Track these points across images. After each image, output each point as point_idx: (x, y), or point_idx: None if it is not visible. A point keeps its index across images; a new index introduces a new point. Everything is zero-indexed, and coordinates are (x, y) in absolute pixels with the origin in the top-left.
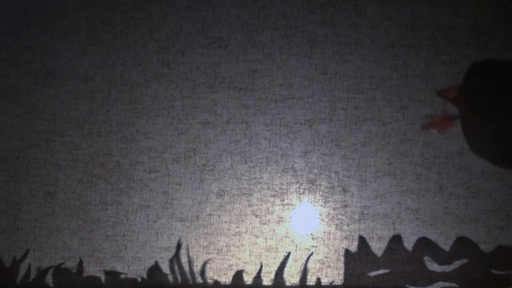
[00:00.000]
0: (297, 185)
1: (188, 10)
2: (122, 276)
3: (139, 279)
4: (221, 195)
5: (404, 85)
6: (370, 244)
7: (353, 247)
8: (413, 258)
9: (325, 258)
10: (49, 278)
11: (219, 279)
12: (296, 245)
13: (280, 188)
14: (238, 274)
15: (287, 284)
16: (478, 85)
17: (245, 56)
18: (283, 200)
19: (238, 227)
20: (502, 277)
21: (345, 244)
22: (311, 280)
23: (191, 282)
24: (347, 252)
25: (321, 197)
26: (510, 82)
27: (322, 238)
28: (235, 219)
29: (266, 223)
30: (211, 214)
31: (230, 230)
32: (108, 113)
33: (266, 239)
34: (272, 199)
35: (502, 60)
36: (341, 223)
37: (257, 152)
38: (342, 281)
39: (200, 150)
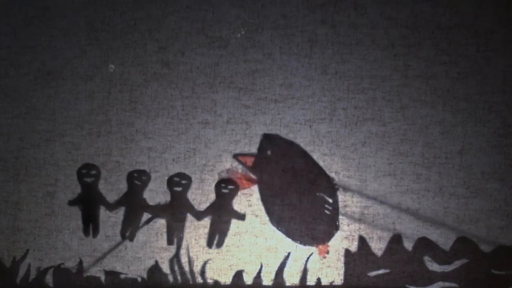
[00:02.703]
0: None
1: (188, 10)
2: (122, 276)
3: (139, 279)
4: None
5: (404, 85)
6: (370, 244)
7: (353, 247)
8: (413, 258)
9: (325, 258)
10: (49, 278)
11: (219, 279)
12: (296, 245)
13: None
14: (238, 274)
15: (287, 284)
16: (271, 157)
17: (245, 56)
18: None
19: (238, 227)
20: (502, 277)
21: (345, 244)
22: (311, 280)
23: (191, 282)
24: (347, 252)
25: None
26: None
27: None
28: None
29: (266, 223)
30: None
31: (230, 230)
32: (108, 113)
33: (266, 239)
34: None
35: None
36: (341, 223)
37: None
38: (342, 281)
39: (200, 150)
